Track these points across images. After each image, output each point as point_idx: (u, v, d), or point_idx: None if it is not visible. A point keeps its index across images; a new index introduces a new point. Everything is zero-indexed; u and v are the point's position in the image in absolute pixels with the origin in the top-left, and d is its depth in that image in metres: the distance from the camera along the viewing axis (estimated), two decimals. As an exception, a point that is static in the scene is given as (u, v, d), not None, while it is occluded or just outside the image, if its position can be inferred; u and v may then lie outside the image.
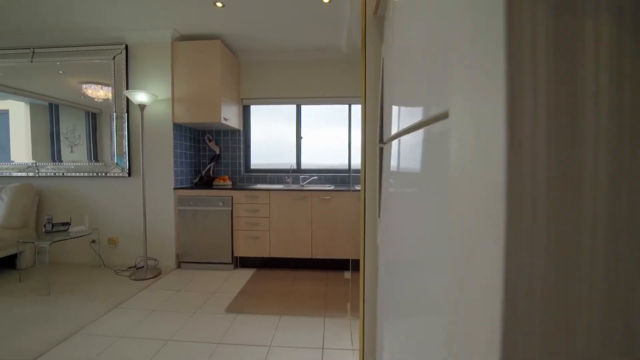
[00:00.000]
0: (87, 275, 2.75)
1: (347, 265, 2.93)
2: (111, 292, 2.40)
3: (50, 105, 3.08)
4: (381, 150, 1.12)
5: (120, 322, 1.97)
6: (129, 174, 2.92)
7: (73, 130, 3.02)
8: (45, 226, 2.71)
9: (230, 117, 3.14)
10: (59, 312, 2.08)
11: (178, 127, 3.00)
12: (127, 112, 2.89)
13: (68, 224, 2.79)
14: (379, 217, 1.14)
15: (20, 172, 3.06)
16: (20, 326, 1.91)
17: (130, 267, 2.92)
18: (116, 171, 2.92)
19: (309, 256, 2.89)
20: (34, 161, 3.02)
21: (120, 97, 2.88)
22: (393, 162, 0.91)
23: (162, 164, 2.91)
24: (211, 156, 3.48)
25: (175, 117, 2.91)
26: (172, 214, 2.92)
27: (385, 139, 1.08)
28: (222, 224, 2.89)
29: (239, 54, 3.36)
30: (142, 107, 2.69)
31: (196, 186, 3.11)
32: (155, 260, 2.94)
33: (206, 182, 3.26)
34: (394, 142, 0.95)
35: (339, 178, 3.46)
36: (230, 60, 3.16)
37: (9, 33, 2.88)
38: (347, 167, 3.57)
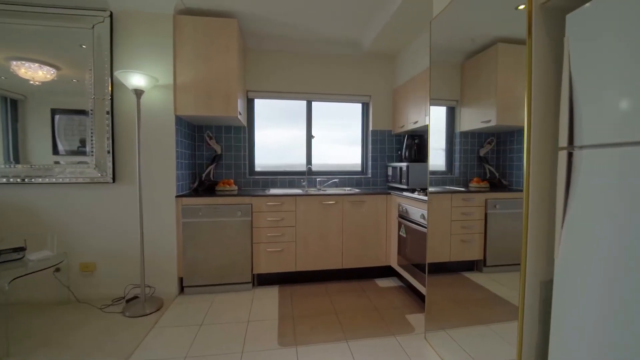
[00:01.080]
0: (60, 318, 2.02)
1: (376, 273, 2.75)
2: (109, 340, 1.79)
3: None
4: (569, 155, 0.99)
5: (148, 381, 1.46)
6: (114, 180, 2.26)
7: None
8: (-16, 255, 1.93)
9: (241, 111, 2.69)
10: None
11: (178, 121, 2.44)
12: (112, 99, 2.23)
13: (22, 249, 2.02)
14: (562, 228, 1.01)
15: None
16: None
17: (116, 300, 2.25)
18: (93, 175, 2.22)
19: (339, 267, 2.63)
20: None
21: (101, 80, 2.20)
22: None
23: (161, 166, 2.33)
24: (211, 157, 2.94)
25: (177, 109, 2.36)
26: (173, 228, 2.35)
27: (585, 142, 0.95)
28: (239, 236, 2.44)
29: (247, 39, 2.92)
30: (138, 93, 2.09)
31: (196, 192, 2.57)
32: (151, 287, 2.33)
33: (207, 188, 2.74)
34: (620, 151, 0.83)
35: (354, 180, 3.27)
36: (241, 45, 2.71)
37: None
38: (359, 169, 3.40)
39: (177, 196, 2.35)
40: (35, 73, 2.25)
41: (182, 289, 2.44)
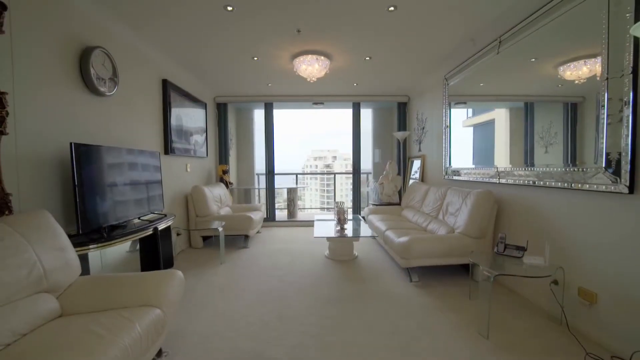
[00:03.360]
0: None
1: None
2: None
3: (526, 104, 2.60)
4: None
5: None
6: (630, 190, 1.72)
7: (549, 128, 2.26)
8: (497, 246, 2.23)
9: None
10: None
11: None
12: (635, 88, 1.78)
13: (523, 249, 2.14)
14: None
15: (485, 177, 2.96)
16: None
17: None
18: (600, 181, 1.81)
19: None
20: (507, 166, 2.65)
21: (616, 69, 1.82)
22: None
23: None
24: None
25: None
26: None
27: None
28: None
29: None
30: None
31: None
32: None
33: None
34: None
35: None
36: None
37: None
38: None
39: None
40: (579, 71, 1.96)
41: None
